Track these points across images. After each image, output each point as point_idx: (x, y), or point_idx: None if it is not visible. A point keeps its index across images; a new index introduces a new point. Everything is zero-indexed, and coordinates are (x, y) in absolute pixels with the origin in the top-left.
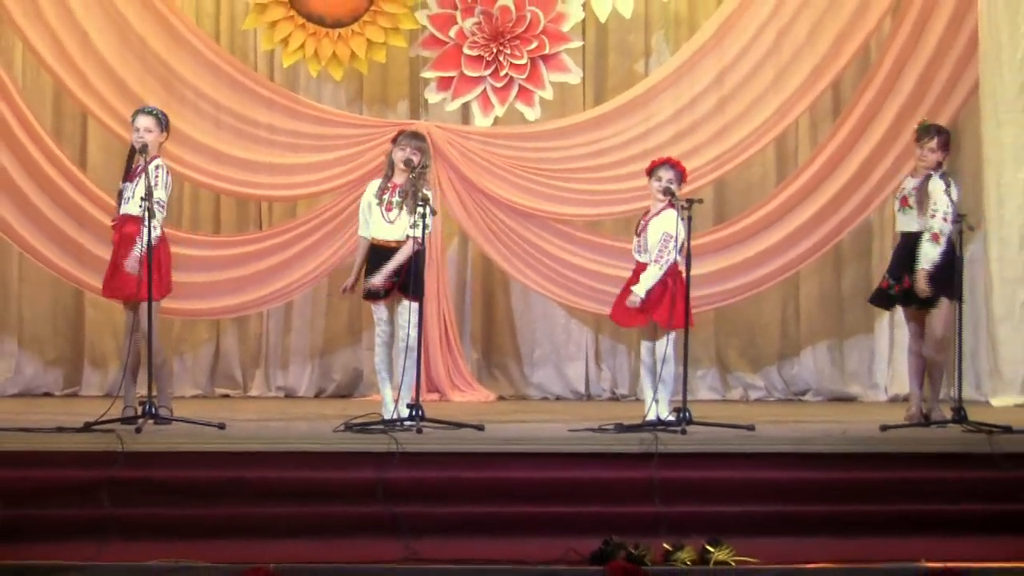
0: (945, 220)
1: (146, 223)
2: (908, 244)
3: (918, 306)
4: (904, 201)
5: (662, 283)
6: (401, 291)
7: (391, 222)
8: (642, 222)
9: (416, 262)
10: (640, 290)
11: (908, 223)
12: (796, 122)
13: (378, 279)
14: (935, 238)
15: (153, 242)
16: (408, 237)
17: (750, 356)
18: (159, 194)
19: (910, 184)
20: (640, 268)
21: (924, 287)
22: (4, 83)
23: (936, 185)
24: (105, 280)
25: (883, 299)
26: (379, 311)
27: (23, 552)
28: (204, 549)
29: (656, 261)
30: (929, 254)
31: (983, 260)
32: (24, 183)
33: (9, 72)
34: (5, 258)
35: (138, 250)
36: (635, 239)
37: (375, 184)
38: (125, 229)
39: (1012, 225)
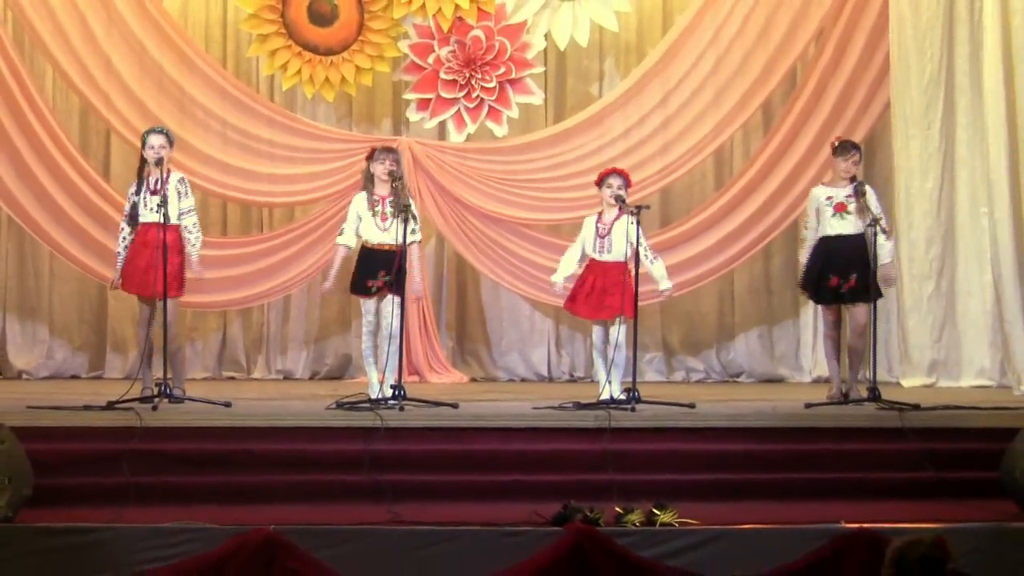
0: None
1: (192, 230)
2: (849, 245)
3: (858, 301)
4: (841, 207)
5: (623, 280)
6: (387, 287)
7: (385, 230)
8: (599, 225)
9: (401, 263)
10: (666, 284)
11: (846, 227)
12: (731, 136)
13: (416, 283)
14: (888, 235)
15: (199, 246)
16: (411, 243)
17: (691, 342)
18: (190, 203)
19: (841, 193)
20: (601, 265)
21: (892, 275)
22: (36, 103)
23: (871, 193)
24: (138, 280)
25: (832, 296)
26: (367, 304)
27: (53, 515)
28: (212, 512)
29: (654, 260)
30: (888, 248)
31: (895, 259)
32: (54, 190)
33: (41, 93)
34: (37, 257)
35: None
36: (597, 240)
37: (362, 197)
38: (150, 235)
39: (919, 229)
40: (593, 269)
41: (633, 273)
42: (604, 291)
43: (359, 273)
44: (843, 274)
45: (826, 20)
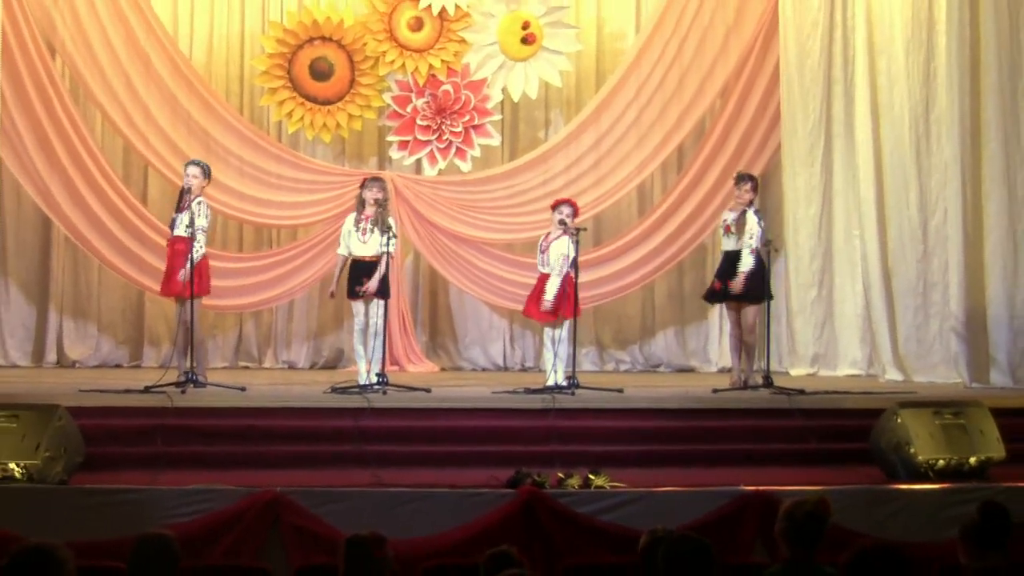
0: (754, 239)
1: (196, 243)
2: (730, 258)
3: (738, 301)
4: (728, 228)
5: (563, 288)
6: (374, 293)
7: (365, 243)
8: (544, 243)
9: (385, 271)
10: (549, 297)
11: (729, 244)
12: (652, 173)
13: (373, 284)
14: (752, 252)
15: (197, 257)
16: (382, 253)
17: (620, 339)
18: (201, 222)
19: (730, 216)
20: (544, 277)
21: (739, 286)
22: (88, 142)
23: (751, 217)
24: (162, 283)
25: (714, 296)
26: (357, 307)
27: (100, 479)
28: (229, 476)
29: (558, 274)
30: (747, 263)
31: (784, 271)
32: (102, 214)
33: (92, 135)
34: (88, 268)
35: (188, 263)
36: (540, 255)
37: (352, 217)
38: (177, 247)
39: (804, 247)
40: (540, 280)
41: (575, 282)
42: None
43: (349, 281)
44: (725, 281)
45: (729, 79)
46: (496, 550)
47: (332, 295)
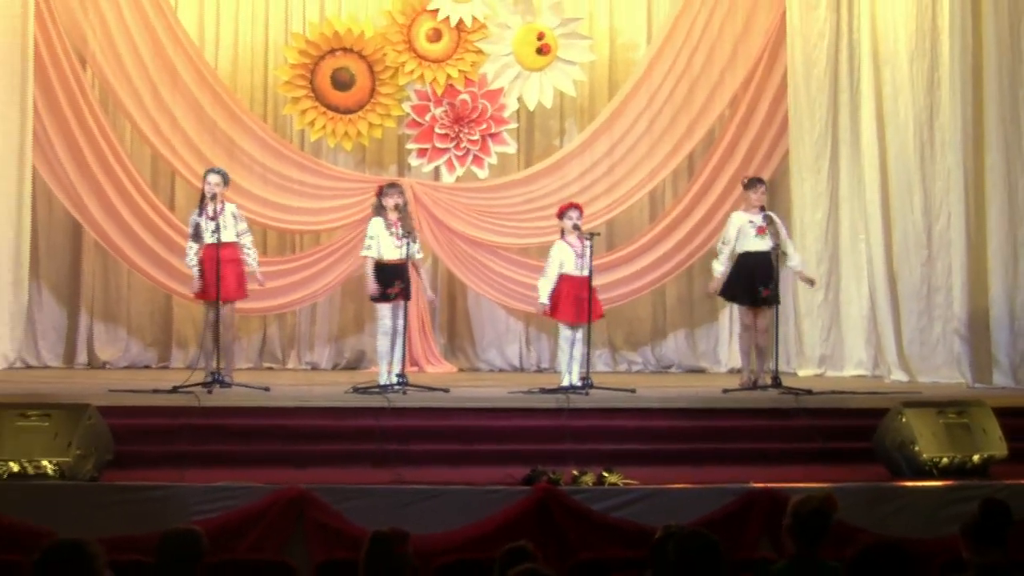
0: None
1: (248, 249)
2: (765, 260)
3: (771, 304)
4: (762, 230)
5: (592, 291)
6: (401, 294)
7: (399, 247)
8: (581, 248)
9: (408, 275)
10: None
11: (762, 245)
12: (663, 179)
13: (430, 292)
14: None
15: (255, 263)
16: (418, 259)
17: (632, 341)
18: (243, 226)
19: (758, 219)
20: (577, 279)
21: (810, 278)
22: (117, 150)
23: (779, 219)
24: (201, 289)
25: (755, 299)
26: (384, 309)
27: (129, 476)
28: (254, 474)
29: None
30: (798, 259)
31: (792, 275)
32: (131, 220)
33: (122, 143)
34: (118, 273)
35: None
36: (576, 260)
37: (379, 221)
38: (208, 253)
39: (811, 251)
40: (570, 283)
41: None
42: (583, 300)
43: (379, 284)
44: (764, 283)
45: (738, 88)
46: (513, 545)
47: (381, 297)
